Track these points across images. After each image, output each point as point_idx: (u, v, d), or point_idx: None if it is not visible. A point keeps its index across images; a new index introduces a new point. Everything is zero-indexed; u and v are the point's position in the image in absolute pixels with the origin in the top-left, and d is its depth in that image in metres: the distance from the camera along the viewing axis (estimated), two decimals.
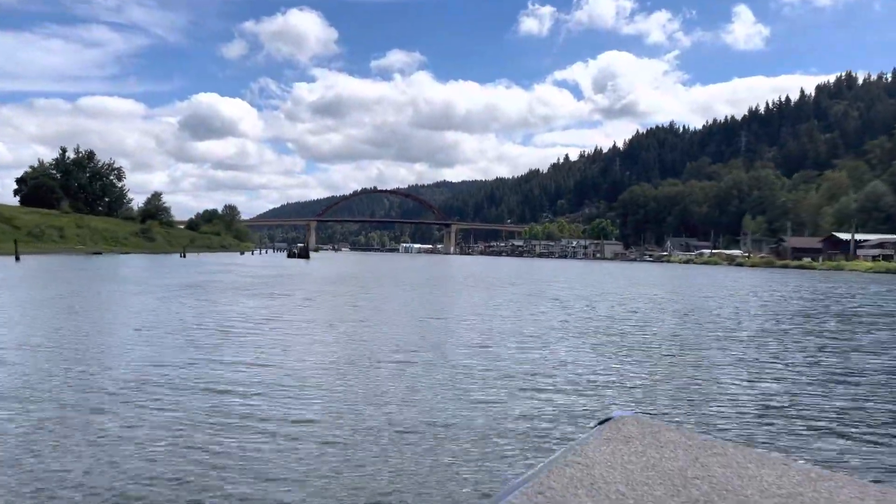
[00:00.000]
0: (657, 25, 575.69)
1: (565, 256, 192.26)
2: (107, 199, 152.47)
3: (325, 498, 5.33)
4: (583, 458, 1.46)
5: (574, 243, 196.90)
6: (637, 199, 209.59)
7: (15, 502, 5.09)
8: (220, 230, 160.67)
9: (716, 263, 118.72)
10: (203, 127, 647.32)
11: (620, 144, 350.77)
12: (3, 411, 7.61)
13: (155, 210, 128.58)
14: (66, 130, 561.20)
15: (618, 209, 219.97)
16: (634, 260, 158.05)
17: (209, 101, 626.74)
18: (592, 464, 1.44)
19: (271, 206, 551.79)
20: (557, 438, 6.90)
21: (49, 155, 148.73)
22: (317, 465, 6.03)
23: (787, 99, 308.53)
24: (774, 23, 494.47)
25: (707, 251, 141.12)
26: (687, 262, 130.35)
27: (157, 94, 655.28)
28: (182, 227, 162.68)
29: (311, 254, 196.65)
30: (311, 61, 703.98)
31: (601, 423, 1.68)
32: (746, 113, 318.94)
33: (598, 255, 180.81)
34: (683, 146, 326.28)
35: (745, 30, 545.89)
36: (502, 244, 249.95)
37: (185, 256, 75.89)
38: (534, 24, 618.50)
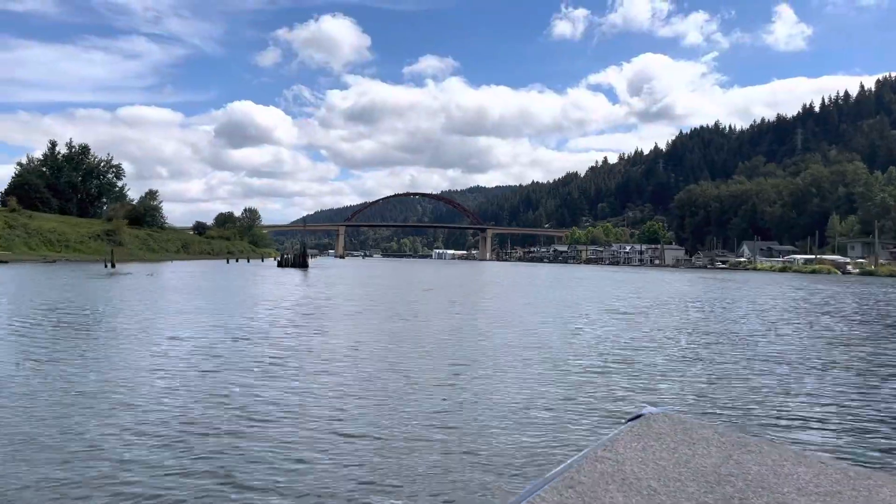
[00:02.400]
0: (694, 27, 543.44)
1: (617, 263, 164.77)
2: (104, 201, 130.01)
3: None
4: (613, 454, 1.41)
5: (628, 248, 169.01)
6: (696, 199, 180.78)
7: None
8: (230, 235, 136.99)
9: (827, 272, 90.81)
10: (238, 135, 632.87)
11: (662, 146, 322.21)
12: None
13: (143, 210, 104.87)
14: (105, 139, 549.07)
15: (674, 211, 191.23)
16: (704, 267, 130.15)
17: (244, 108, 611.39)
18: (623, 459, 1.39)
19: (305, 213, 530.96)
20: None
21: None
22: None
23: (847, 94, 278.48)
24: (817, 23, 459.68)
25: (799, 257, 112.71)
26: (782, 269, 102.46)
27: (194, 103, 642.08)
28: (191, 231, 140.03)
29: (336, 261, 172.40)
30: (345, 68, 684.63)
31: (632, 419, 1.62)
32: (800, 110, 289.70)
33: (657, 261, 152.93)
34: (730, 146, 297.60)
35: (786, 30, 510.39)
36: (543, 250, 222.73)
37: (112, 266, 51.55)
38: (567, 27, 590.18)
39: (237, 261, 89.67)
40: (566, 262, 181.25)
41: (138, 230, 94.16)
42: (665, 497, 1.24)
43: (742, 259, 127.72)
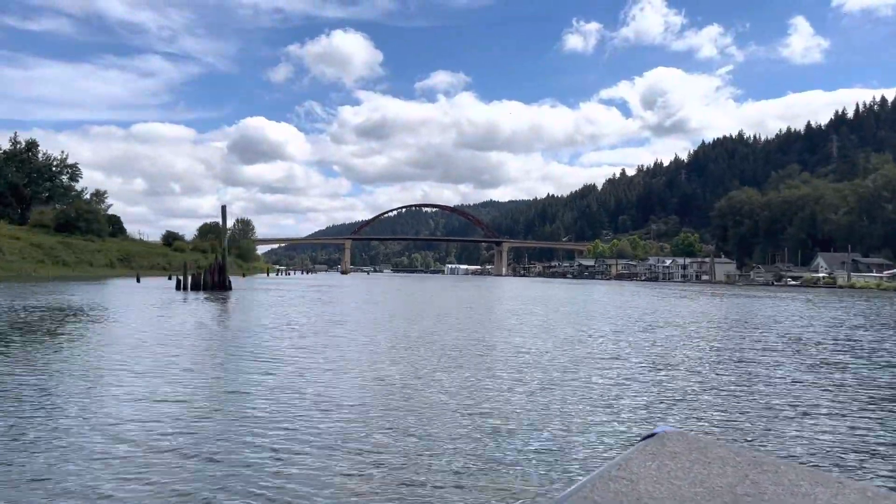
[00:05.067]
0: (708, 40, 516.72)
1: (655, 279, 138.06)
2: (56, 207, 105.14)
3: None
4: (627, 473, 1.31)
5: (667, 262, 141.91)
6: (740, 207, 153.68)
7: None
8: (206, 247, 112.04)
9: None
10: (251, 151, 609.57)
11: (683, 158, 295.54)
12: None
13: (76, 214, 79.38)
14: (119, 156, 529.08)
15: (715, 220, 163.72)
16: (769, 284, 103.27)
17: (256, 124, 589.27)
18: (638, 479, 1.29)
19: (317, 229, 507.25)
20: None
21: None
22: None
23: (884, 100, 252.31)
24: (833, 35, 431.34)
25: None
26: None
27: (208, 119, 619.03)
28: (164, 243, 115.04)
29: (341, 277, 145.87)
30: (356, 84, 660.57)
31: (646, 438, 1.50)
32: (832, 117, 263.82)
33: (705, 276, 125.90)
34: (757, 156, 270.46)
35: (802, 42, 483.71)
36: (566, 264, 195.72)
37: None
38: (578, 41, 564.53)
39: (170, 278, 63.84)
40: (593, 278, 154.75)
41: (52, 237, 69.05)
42: None
43: (820, 274, 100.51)
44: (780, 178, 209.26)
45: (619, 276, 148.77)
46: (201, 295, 35.53)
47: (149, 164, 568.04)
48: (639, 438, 1.50)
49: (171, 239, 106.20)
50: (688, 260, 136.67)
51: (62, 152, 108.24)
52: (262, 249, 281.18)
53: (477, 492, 5.33)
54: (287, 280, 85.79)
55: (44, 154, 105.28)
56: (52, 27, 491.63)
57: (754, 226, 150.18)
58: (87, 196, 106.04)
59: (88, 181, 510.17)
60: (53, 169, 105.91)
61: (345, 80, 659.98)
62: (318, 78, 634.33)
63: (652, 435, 1.49)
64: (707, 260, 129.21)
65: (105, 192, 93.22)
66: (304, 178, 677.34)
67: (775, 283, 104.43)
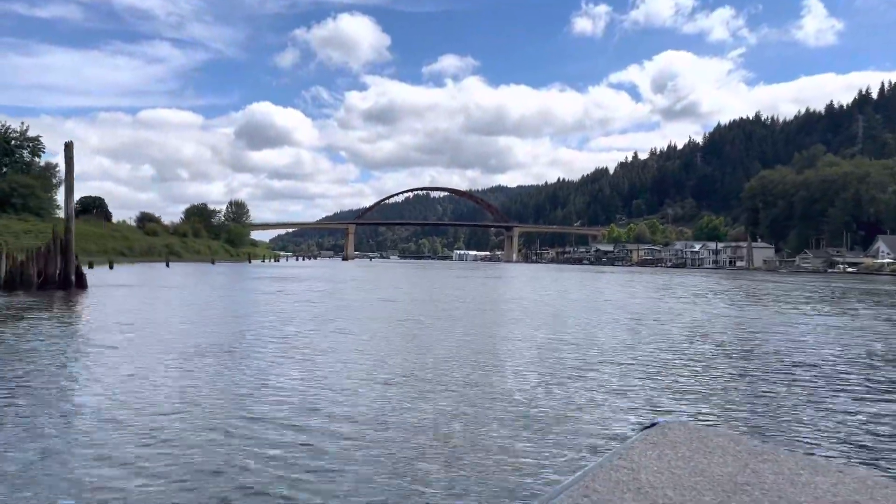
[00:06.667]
0: (720, 22, 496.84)
1: (682, 265, 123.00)
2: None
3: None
4: (629, 462, 1.31)
5: (696, 247, 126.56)
6: (772, 187, 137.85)
7: None
8: (187, 230, 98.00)
9: None
10: (258, 136, 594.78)
11: (698, 140, 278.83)
12: None
13: (9, 190, 64.88)
14: (126, 142, 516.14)
15: (746, 202, 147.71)
16: (821, 271, 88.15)
17: (263, 110, 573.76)
18: (639, 468, 1.29)
19: (325, 215, 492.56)
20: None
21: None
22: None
23: None
24: (848, 17, 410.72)
25: None
26: None
27: (215, 105, 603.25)
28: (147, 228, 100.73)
29: (341, 264, 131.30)
30: (363, 68, 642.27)
31: (647, 427, 1.50)
32: (856, 97, 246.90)
33: (741, 262, 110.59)
34: (776, 138, 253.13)
35: (816, 24, 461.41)
36: (582, 250, 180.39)
37: None
38: (587, 24, 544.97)
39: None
40: (612, 264, 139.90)
41: None
42: None
43: (884, 260, 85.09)
44: (804, 158, 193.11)
45: (643, 263, 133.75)
46: (11, 301, 19.98)
47: (157, 151, 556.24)
48: (640, 428, 1.48)
49: (142, 221, 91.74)
50: (720, 245, 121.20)
51: (22, 123, 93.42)
52: (269, 235, 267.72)
53: (477, 482, 5.16)
54: (261, 269, 70.91)
55: (1, 125, 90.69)
56: (61, 14, 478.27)
57: (789, 207, 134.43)
58: (51, 172, 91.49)
59: (96, 168, 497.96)
60: (12, 143, 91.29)
61: (352, 65, 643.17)
62: (324, 63, 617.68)
63: (653, 424, 1.48)
64: (742, 244, 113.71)
65: (56, 165, 78.69)
66: (311, 164, 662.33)
67: (828, 271, 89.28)
